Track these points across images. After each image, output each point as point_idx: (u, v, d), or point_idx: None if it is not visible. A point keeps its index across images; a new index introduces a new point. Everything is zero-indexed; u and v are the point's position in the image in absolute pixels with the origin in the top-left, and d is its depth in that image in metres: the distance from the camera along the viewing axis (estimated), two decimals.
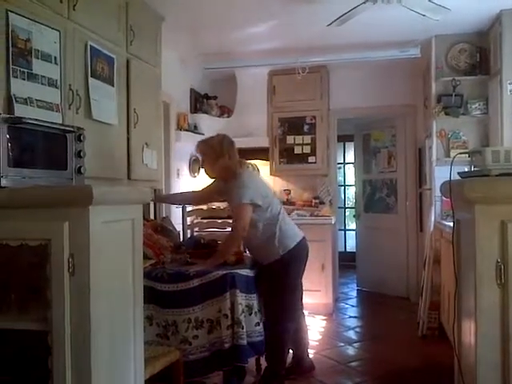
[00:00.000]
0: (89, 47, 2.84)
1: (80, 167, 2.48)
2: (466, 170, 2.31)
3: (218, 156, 3.11)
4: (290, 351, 3.42)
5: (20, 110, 2.24)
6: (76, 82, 2.73)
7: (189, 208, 4.48)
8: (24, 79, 2.32)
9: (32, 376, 1.77)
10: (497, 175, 1.85)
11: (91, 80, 2.85)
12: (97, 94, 2.89)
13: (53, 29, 2.53)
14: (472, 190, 1.73)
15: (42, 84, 2.44)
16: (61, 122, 2.52)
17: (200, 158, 3.23)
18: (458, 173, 2.09)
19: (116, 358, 1.86)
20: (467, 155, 2.20)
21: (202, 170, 3.29)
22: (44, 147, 2.33)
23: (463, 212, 1.90)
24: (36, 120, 2.25)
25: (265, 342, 3.01)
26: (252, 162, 5.80)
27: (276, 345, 3.12)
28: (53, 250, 1.66)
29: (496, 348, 1.69)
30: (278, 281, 3.10)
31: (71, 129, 2.46)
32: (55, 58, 2.54)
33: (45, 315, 1.69)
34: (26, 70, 2.33)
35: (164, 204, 4.63)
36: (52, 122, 2.38)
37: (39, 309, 1.73)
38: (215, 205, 5.78)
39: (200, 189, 3.64)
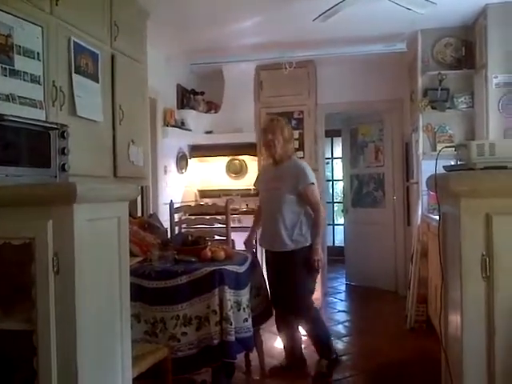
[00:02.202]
0: (72, 43, 2.80)
1: (64, 164, 2.45)
2: (453, 163, 2.32)
3: (288, 138, 3.35)
4: (282, 346, 3.49)
5: (2, 107, 2.21)
6: (59, 79, 2.69)
7: (177, 204, 4.46)
8: (5, 75, 2.29)
9: (17, 377, 1.75)
10: (482, 169, 1.85)
11: (75, 76, 2.82)
12: (81, 91, 2.85)
13: (35, 24, 2.50)
14: (457, 184, 1.73)
15: (25, 80, 2.41)
16: (44, 118, 2.49)
17: (267, 136, 3.33)
18: (444, 166, 2.10)
19: (103, 356, 1.84)
20: (453, 149, 2.21)
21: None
22: (27, 145, 2.30)
23: (449, 205, 1.91)
24: (18, 117, 2.21)
25: (311, 333, 3.35)
26: (240, 157, 5.82)
27: (321, 330, 3.35)
28: (37, 248, 1.64)
29: (481, 340, 1.70)
30: (306, 268, 3.22)
31: (55, 126, 2.42)
32: (38, 53, 2.51)
33: (29, 315, 1.67)
34: (7, 67, 2.30)
35: (151, 200, 4.62)
36: (35, 119, 2.35)
37: (24, 308, 1.70)
38: (203, 201, 5.78)
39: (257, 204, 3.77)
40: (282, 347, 3.53)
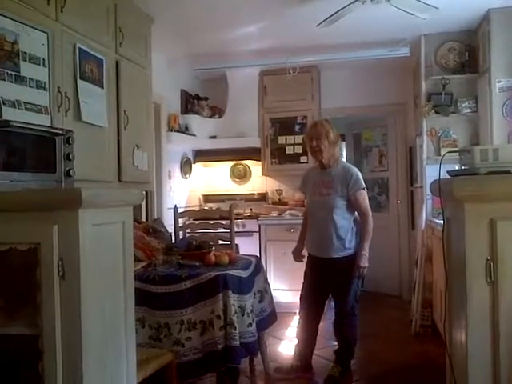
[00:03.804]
0: (77, 49, 2.82)
1: (69, 170, 2.46)
2: (457, 168, 2.32)
3: (335, 141, 3.29)
4: (295, 347, 3.52)
5: (8, 113, 2.23)
6: (65, 84, 2.71)
7: (181, 209, 4.48)
8: (12, 82, 2.31)
9: (22, 381, 1.76)
10: (485, 173, 1.85)
11: (80, 82, 2.84)
12: (86, 96, 2.87)
13: (41, 31, 2.52)
14: (460, 189, 1.73)
15: (30, 86, 2.43)
16: (49, 124, 2.51)
17: (312, 142, 3.28)
18: (448, 171, 2.10)
19: (108, 361, 1.85)
20: (457, 153, 2.20)
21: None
22: (32, 150, 2.31)
23: (453, 210, 1.91)
24: (24, 123, 2.23)
25: (342, 338, 3.33)
26: (244, 162, 5.83)
27: (353, 338, 3.32)
28: (42, 253, 1.64)
29: (486, 345, 1.70)
30: (352, 275, 3.22)
31: (60, 131, 2.44)
32: (43, 60, 2.53)
33: (35, 319, 1.68)
34: (13, 73, 2.32)
35: (156, 205, 4.63)
36: (40, 125, 2.36)
37: (29, 313, 1.71)
38: (208, 206, 5.79)
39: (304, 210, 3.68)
40: (295, 348, 3.54)
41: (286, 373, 3.37)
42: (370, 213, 3.27)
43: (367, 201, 3.28)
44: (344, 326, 3.33)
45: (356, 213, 3.30)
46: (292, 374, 3.37)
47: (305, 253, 3.54)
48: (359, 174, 3.29)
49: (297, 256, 3.56)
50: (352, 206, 3.25)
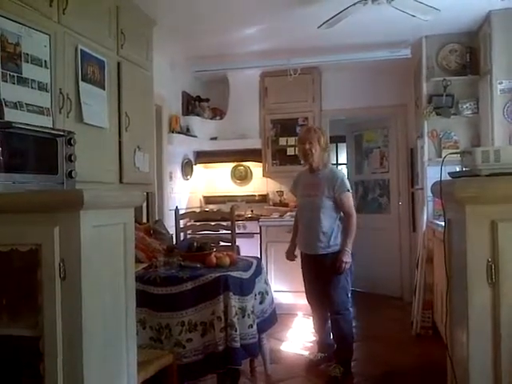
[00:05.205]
0: (79, 51, 2.83)
1: (71, 171, 2.47)
2: (458, 169, 2.31)
3: (325, 147, 3.54)
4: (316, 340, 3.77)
5: (10, 115, 2.23)
6: (66, 86, 2.72)
7: (182, 210, 4.48)
8: (14, 83, 2.31)
9: (23, 382, 1.76)
10: (487, 175, 1.85)
11: (82, 84, 2.84)
12: (88, 98, 2.88)
13: (43, 33, 2.52)
14: (462, 191, 1.73)
15: (32, 88, 2.43)
16: (51, 126, 2.51)
17: (304, 146, 3.50)
18: (449, 173, 2.09)
19: (109, 362, 1.85)
20: (459, 155, 2.20)
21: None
22: (34, 152, 2.32)
23: (454, 212, 1.91)
24: (26, 124, 2.24)
25: (337, 333, 3.47)
26: (245, 163, 5.83)
27: (348, 332, 3.47)
28: (43, 255, 1.65)
29: (487, 346, 1.70)
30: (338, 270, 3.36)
31: (62, 133, 2.45)
32: (45, 61, 2.53)
33: (36, 320, 1.68)
34: (15, 74, 2.32)
35: (157, 207, 4.63)
36: (42, 127, 2.37)
37: (30, 314, 1.71)
38: (209, 207, 5.79)
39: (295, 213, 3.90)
40: (316, 342, 3.79)
41: (316, 364, 3.58)
42: (354, 212, 3.46)
43: (351, 202, 3.48)
44: (338, 322, 3.46)
45: (342, 212, 3.47)
46: (321, 363, 3.59)
47: (297, 253, 3.73)
48: (345, 177, 3.52)
49: (289, 256, 3.78)
50: (337, 206, 3.43)
